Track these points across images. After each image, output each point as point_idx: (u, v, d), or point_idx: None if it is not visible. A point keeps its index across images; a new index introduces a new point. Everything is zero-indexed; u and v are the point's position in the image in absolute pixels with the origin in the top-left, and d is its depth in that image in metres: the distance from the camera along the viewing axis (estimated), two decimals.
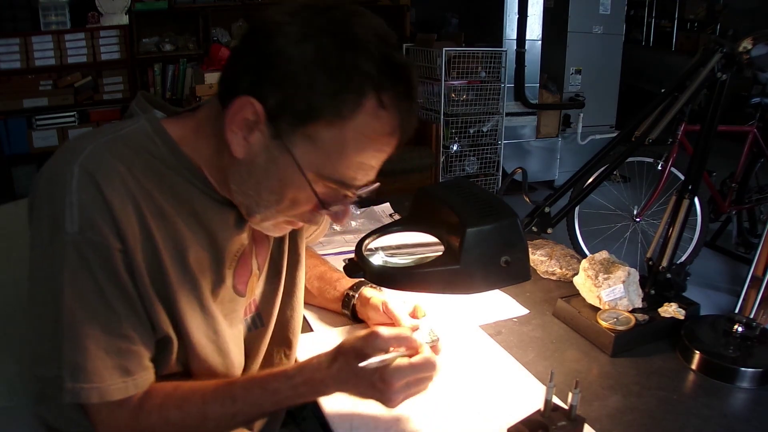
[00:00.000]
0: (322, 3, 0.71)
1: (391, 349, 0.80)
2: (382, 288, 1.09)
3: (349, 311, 1.11)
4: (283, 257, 0.95)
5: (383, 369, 0.78)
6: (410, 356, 0.81)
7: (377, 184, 0.80)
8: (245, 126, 0.72)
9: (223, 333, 0.84)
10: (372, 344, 0.79)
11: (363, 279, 1.05)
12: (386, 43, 0.71)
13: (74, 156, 0.71)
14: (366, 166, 0.75)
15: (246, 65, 0.71)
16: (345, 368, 0.79)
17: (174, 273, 0.76)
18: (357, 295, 1.09)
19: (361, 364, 0.76)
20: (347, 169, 0.74)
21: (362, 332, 0.81)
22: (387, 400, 0.79)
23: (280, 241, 0.94)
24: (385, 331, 0.80)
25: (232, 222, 0.83)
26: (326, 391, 0.81)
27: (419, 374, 0.80)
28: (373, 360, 0.76)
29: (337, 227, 1.60)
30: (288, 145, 0.71)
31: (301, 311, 1.01)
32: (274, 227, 0.82)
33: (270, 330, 0.95)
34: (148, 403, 0.76)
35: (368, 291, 1.09)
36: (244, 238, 0.86)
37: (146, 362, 0.76)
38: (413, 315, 1.01)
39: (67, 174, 0.70)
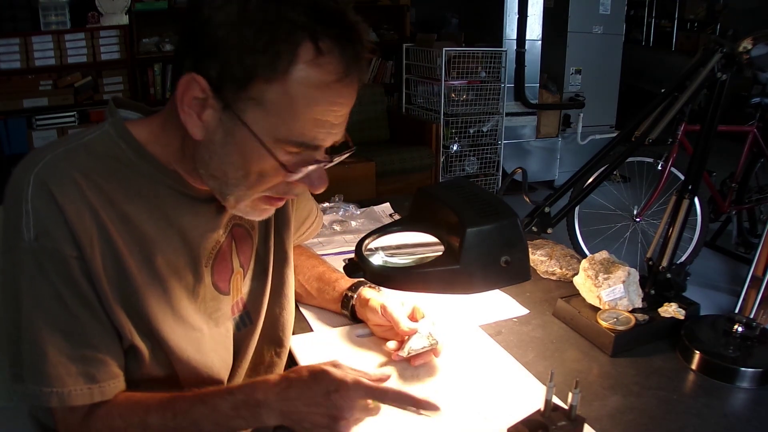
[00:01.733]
0: None
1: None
2: (381, 288, 1.09)
3: (348, 311, 1.11)
4: (269, 255, 0.95)
5: (343, 380, 0.76)
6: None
7: (353, 149, 0.78)
8: (196, 105, 0.71)
9: (202, 333, 0.84)
10: (334, 368, 0.78)
11: (362, 279, 1.06)
12: None
13: (31, 165, 0.73)
14: (323, 122, 0.72)
15: (184, 44, 0.72)
16: (293, 385, 0.76)
17: (141, 278, 0.76)
18: (356, 296, 1.09)
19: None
20: (303, 127, 0.71)
21: (327, 362, 0.81)
22: (340, 413, 0.75)
23: (265, 238, 0.94)
24: (344, 362, 0.81)
25: (207, 218, 0.83)
26: (267, 416, 0.76)
27: (369, 399, 0.79)
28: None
29: (337, 227, 1.60)
30: (238, 114, 0.70)
31: (291, 309, 1.01)
32: (252, 208, 0.79)
33: (258, 328, 0.95)
34: (98, 410, 0.76)
35: (367, 291, 1.08)
36: (219, 234, 0.85)
37: (114, 370, 0.76)
38: (412, 317, 1.01)
39: (23, 183, 0.71)
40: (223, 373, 0.89)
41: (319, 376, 0.77)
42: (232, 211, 0.81)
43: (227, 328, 0.90)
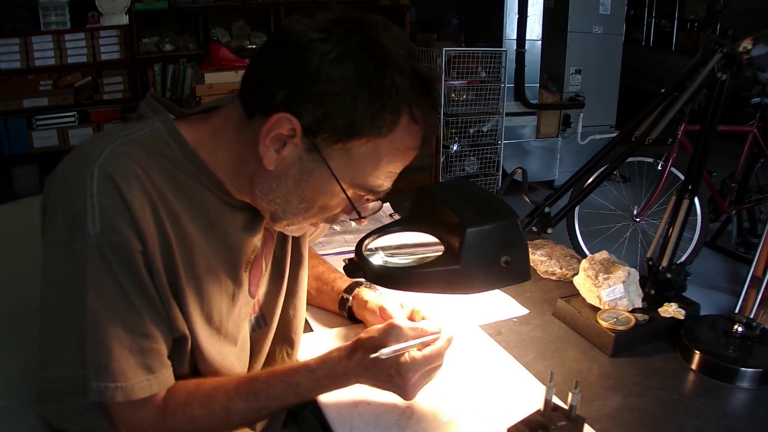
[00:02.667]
0: (346, 15, 0.73)
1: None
2: (378, 288, 1.10)
3: (345, 312, 1.11)
4: (286, 257, 0.95)
5: (399, 364, 0.82)
6: (422, 347, 0.85)
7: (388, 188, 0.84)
8: (277, 140, 0.73)
9: (230, 338, 0.85)
10: (391, 337, 0.83)
11: (359, 279, 1.06)
12: (413, 56, 0.73)
13: (92, 158, 0.71)
14: (393, 174, 0.79)
15: (281, 81, 0.71)
16: (363, 361, 0.83)
17: (184, 276, 0.76)
18: (351, 297, 1.09)
19: (373, 356, 0.80)
20: (377, 178, 0.77)
21: (381, 325, 0.85)
22: (404, 393, 0.84)
23: (283, 241, 0.95)
24: (403, 323, 0.85)
25: (246, 224, 0.83)
26: (347, 383, 0.85)
27: (432, 365, 0.85)
28: (386, 350, 0.81)
29: (337, 227, 1.60)
30: (325, 159, 0.73)
31: (303, 311, 1.01)
32: (298, 230, 0.84)
33: (273, 330, 0.96)
34: (172, 401, 0.77)
35: (365, 293, 1.08)
36: (257, 239, 0.86)
37: (166, 360, 0.76)
38: (411, 319, 1.01)
39: (86, 176, 0.70)
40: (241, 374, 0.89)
41: (378, 364, 0.82)
42: (277, 229, 0.85)
43: (245, 330, 0.90)
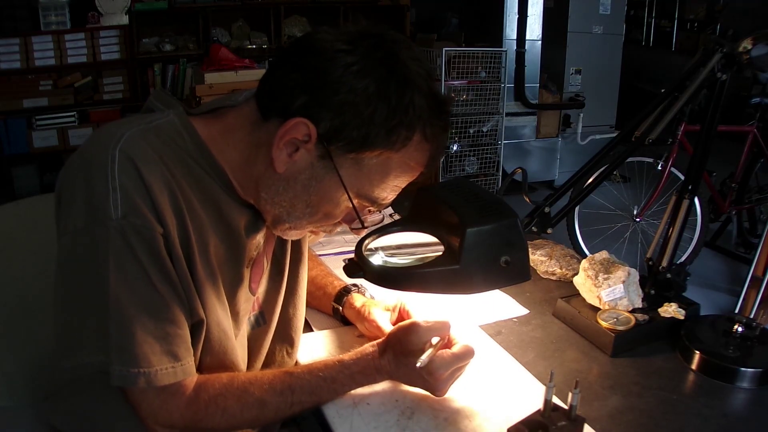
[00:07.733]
0: (372, 30, 0.74)
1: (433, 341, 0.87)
2: (368, 290, 1.11)
3: (339, 317, 1.11)
4: (285, 255, 0.95)
5: (429, 363, 0.84)
6: (447, 345, 0.88)
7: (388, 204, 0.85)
8: (291, 144, 0.74)
9: (233, 331, 0.85)
10: (415, 338, 0.86)
11: (348, 286, 1.08)
12: (431, 78, 0.75)
13: (112, 142, 0.71)
14: (398, 188, 0.81)
15: (302, 86, 0.73)
16: (393, 361, 0.87)
17: (200, 264, 0.77)
18: (341, 308, 1.09)
19: (418, 365, 0.83)
20: (383, 191, 0.79)
21: (405, 323, 0.88)
22: (436, 390, 0.87)
23: (283, 239, 0.95)
24: (424, 323, 0.87)
25: (251, 221, 0.84)
26: (379, 379, 0.89)
27: (462, 363, 0.87)
28: (424, 357, 0.83)
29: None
30: (336, 167, 0.75)
31: (303, 309, 1.01)
32: (298, 234, 0.85)
33: (272, 328, 0.96)
34: (205, 393, 0.77)
35: (356, 298, 1.08)
36: (261, 237, 0.87)
37: (190, 347, 0.76)
38: (401, 316, 1.00)
39: (107, 159, 0.70)
40: (241, 371, 0.89)
41: (411, 365, 0.85)
42: (276, 234, 0.86)
43: (245, 327, 0.91)
